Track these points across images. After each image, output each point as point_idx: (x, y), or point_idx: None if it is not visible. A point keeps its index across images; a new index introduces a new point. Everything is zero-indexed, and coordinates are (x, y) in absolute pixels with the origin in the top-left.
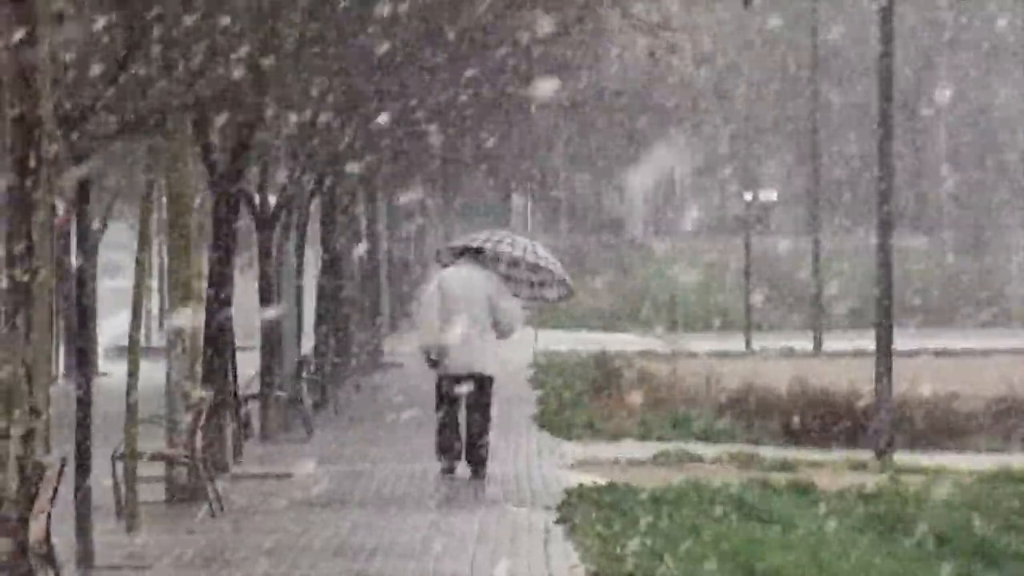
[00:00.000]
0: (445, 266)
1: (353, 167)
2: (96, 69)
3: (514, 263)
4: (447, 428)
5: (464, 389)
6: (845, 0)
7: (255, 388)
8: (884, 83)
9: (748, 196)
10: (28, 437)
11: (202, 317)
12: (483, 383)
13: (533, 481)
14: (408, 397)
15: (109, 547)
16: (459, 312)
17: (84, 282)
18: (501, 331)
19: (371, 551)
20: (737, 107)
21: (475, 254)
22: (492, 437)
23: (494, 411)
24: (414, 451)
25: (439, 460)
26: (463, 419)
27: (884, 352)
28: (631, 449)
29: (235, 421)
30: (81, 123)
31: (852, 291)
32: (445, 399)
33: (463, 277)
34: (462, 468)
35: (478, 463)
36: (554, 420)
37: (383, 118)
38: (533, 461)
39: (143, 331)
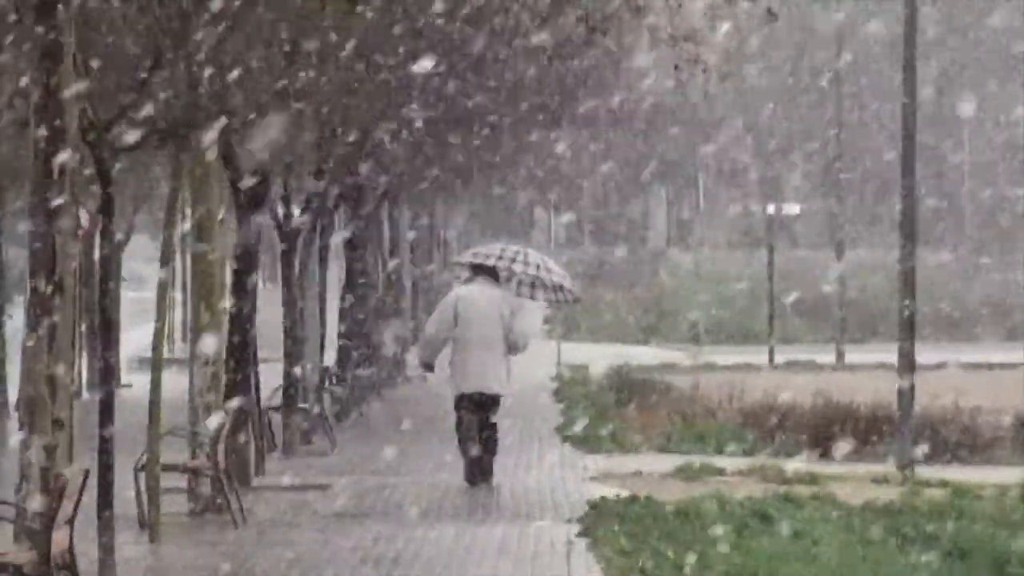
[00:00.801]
0: (464, 282)
1: (376, 180)
2: (121, 80)
3: (530, 283)
4: (466, 442)
5: (475, 409)
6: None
7: (278, 400)
8: (908, 97)
9: (771, 209)
10: (51, 448)
11: (225, 329)
12: (492, 402)
13: (555, 494)
14: (431, 410)
15: (131, 559)
16: (473, 332)
17: (107, 293)
18: (514, 349)
19: (393, 563)
20: (761, 120)
21: (489, 272)
22: (515, 451)
23: (517, 424)
24: (436, 463)
25: (465, 474)
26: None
27: (907, 365)
28: (653, 462)
29: (258, 433)
30: (105, 134)
31: (875, 304)
32: (462, 419)
33: (478, 297)
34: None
35: (488, 471)
36: (576, 433)
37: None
38: (555, 474)
39: (166, 343)
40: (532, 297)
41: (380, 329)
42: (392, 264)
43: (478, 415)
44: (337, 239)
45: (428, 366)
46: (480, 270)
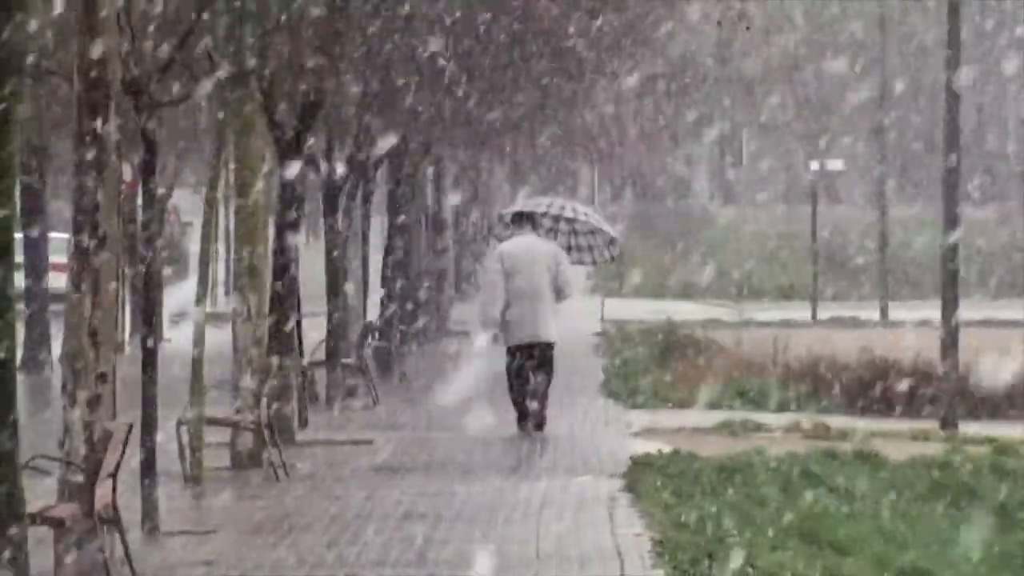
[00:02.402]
0: (506, 239)
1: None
2: (163, 35)
3: (573, 231)
4: (520, 394)
5: (530, 356)
6: None
7: (321, 355)
8: (952, 57)
9: (815, 165)
10: (94, 402)
11: (268, 283)
12: (546, 348)
13: (598, 449)
14: (474, 364)
15: (174, 512)
16: (522, 284)
17: (150, 247)
18: (561, 296)
19: (436, 518)
20: (806, 76)
21: (530, 221)
22: (558, 405)
23: (559, 380)
24: (479, 418)
25: (518, 424)
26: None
27: (950, 323)
28: (696, 418)
29: (301, 388)
30: (148, 88)
31: (919, 261)
32: (515, 368)
33: (524, 249)
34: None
35: (541, 419)
36: (620, 389)
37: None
38: (599, 429)
39: (209, 297)
40: (580, 262)
41: (423, 284)
42: (433, 216)
43: (531, 364)
44: (382, 194)
45: (496, 335)
46: (520, 221)
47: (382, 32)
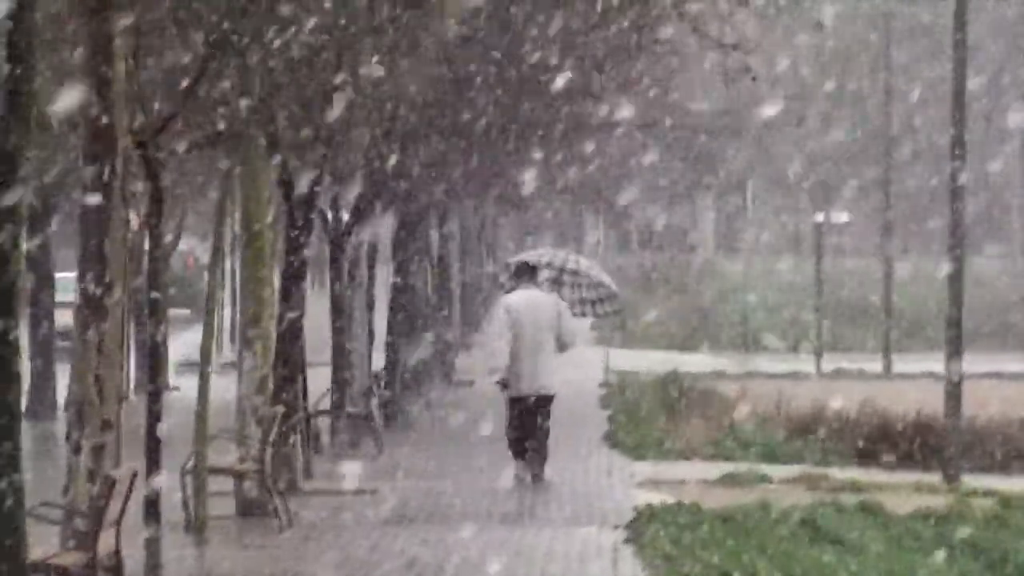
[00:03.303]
0: (509, 291)
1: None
2: (171, 85)
3: (577, 284)
4: (519, 445)
5: (532, 406)
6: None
7: (326, 404)
8: (957, 109)
9: (820, 217)
10: (99, 450)
11: (273, 333)
12: (546, 402)
13: (602, 499)
14: (478, 415)
15: (178, 561)
16: (526, 336)
17: (156, 295)
18: (564, 348)
19: (439, 568)
20: (810, 127)
21: (531, 273)
22: (563, 456)
23: (563, 430)
24: (484, 468)
25: (516, 472)
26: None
27: (953, 375)
28: (700, 469)
29: (305, 437)
30: (155, 138)
31: (923, 313)
32: (516, 419)
33: (526, 302)
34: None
35: (540, 468)
36: (624, 439)
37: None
38: (602, 480)
39: (214, 346)
40: (583, 314)
41: (427, 335)
42: (438, 268)
43: (532, 415)
44: (387, 244)
45: (506, 385)
46: (522, 273)
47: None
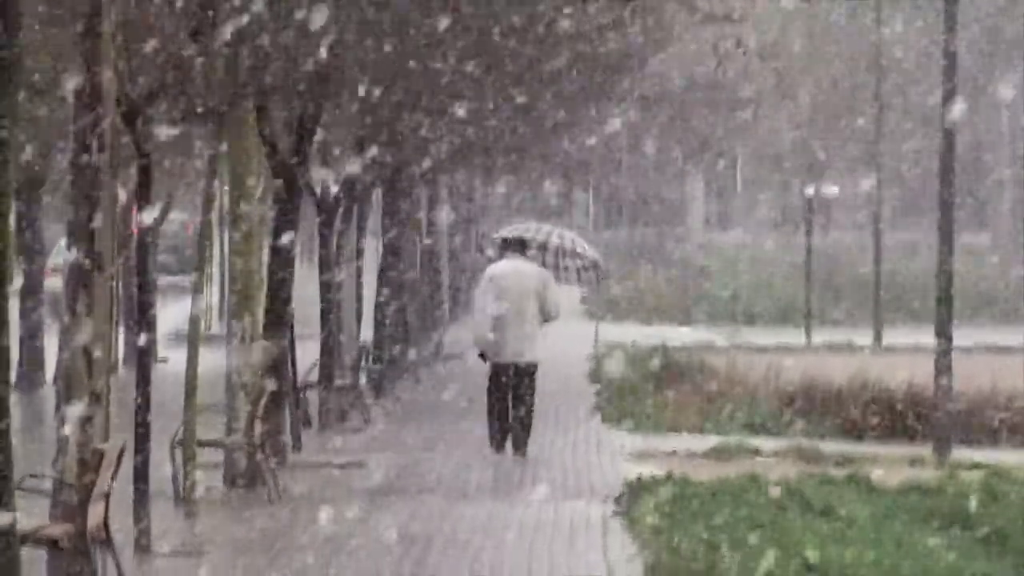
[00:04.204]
0: (492, 260)
1: (415, 158)
2: (158, 58)
3: (561, 252)
4: (497, 412)
5: (513, 376)
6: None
7: (314, 377)
8: (947, 81)
9: (810, 191)
10: (88, 423)
11: (262, 306)
12: (530, 369)
13: (591, 472)
14: (467, 388)
15: (167, 533)
16: (509, 305)
17: (144, 269)
18: (547, 318)
19: (428, 541)
20: (800, 101)
21: (519, 246)
22: (551, 429)
23: (552, 403)
24: (473, 441)
25: (491, 443)
26: (511, 403)
27: (943, 348)
28: (689, 442)
29: (294, 409)
30: (143, 110)
31: (913, 286)
32: (496, 386)
33: (511, 271)
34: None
35: (523, 442)
36: (613, 412)
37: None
38: (592, 453)
39: (204, 319)
40: (567, 281)
41: (416, 307)
42: (427, 241)
43: (513, 384)
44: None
45: (484, 355)
46: (509, 245)
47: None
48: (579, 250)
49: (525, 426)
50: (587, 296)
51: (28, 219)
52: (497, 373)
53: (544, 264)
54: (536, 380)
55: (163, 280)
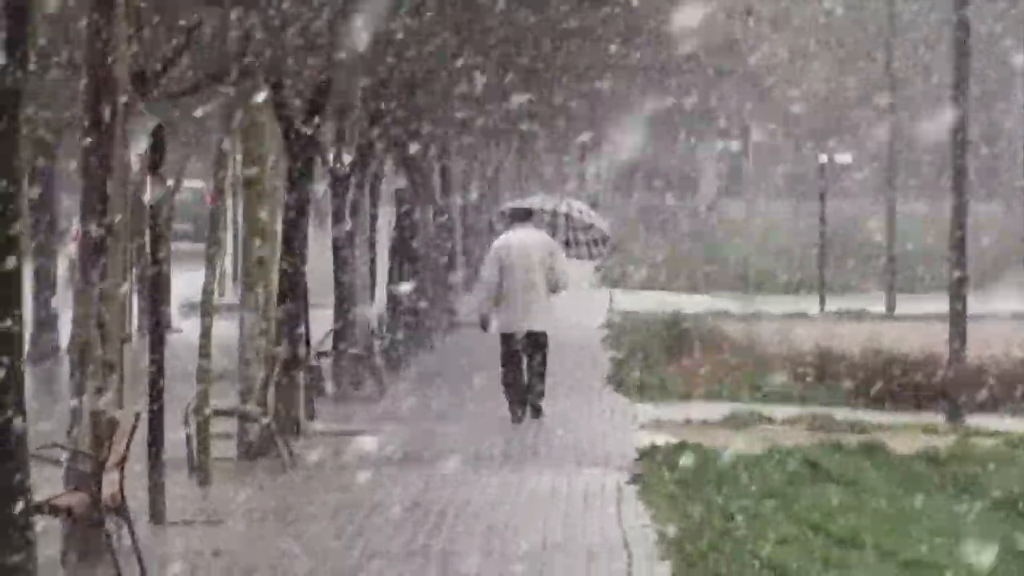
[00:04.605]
0: (501, 232)
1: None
2: (171, 26)
3: (572, 227)
4: (511, 380)
5: (523, 344)
6: None
7: (328, 346)
8: (960, 47)
9: (823, 159)
10: (101, 392)
11: (275, 275)
12: (540, 338)
13: (605, 441)
14: (481, 356)
15: (181, 501)
16: (517, 275)
17: (157, 238)
18: (554, 288)
19: (442, 510)
20: (813, 69)
21: (527, 217)
22: (565, 397)
23: (566, 372)
24: (486, 410)
25: (509, 410)
26: (524, 370)
27: (957, 315)
28: (703, 410)
29: (307, 378)
30: (156, 79)
31: (927, 254)
32: (509, 357)
33: (519, 242)
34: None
35: (536, 406)
36: (627, 381)
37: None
38: (605, 421)
39: (217, 288)
40: (578, 256)
41: (430, 276)
42: (440, 209)
43: (525, 353)
44: (389, 187)
45: (484, 324)
46: (517, 216)
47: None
48: (590, 222)
49: (538, 393)
50: (600, 264)
51: (42, 187)
52: (509, 344)
53: (555, 236)
54: (547, 349)
55: (182, 247)
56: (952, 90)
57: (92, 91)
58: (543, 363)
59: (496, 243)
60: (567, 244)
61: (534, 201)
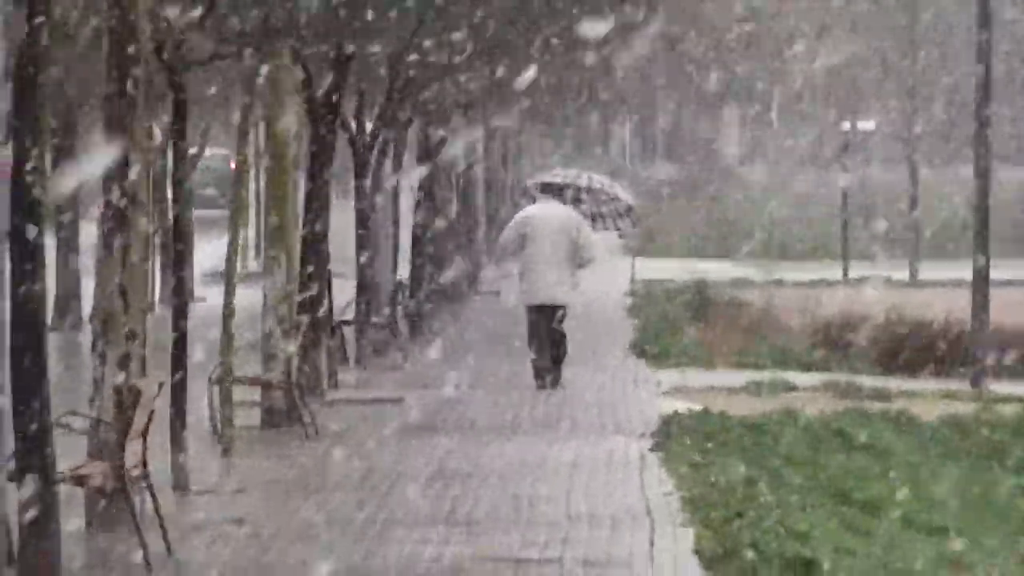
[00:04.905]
0: (531, 202)
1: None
2: None
3: (596, 200)
4: (537, 350)
5: (545, 316)
6: None
7: (351, 314)
8: (983, 11)
9: (846, 125)
10: (124, 361)
11: (298, 243)
12: (559, 312)
13: (628, 408)
14: (504, 325)
15: (204, 470)
16: (541, 249)
17: (180, 207)
18: (581, 263)
19: (466, 477)
20: (836, 35)
21: (557, 191)
22: (589, 365)
23: (590, 339)
24: (509, 378)
25: (535, 378)
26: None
27: (981, 282)
28: (726, 377)
29: (330, 346)
30: (178, 47)
31: (949, 221)
32: (533, 326)
33: (545, 214)
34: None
35: (557, 372)
36: (650, 348)
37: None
38: (628, 389)
39: (239, 257)
40: (604, 228)
41: (453, 244)
42: (464, 176)
43: (547, 323)
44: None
45: (498, 292)
46: (543, 191)
47: None
48: (614, 193)
49: (557, 361)
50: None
51: (64, 153)
52: (532, 313)
53: (580, 209)
54: (564, 319)
55: (210, 213)
56: (976, 49)
57: (114, 60)
58: (563, 334)
59: (520, 215)
60: (592, 218)
61: (557, 176)
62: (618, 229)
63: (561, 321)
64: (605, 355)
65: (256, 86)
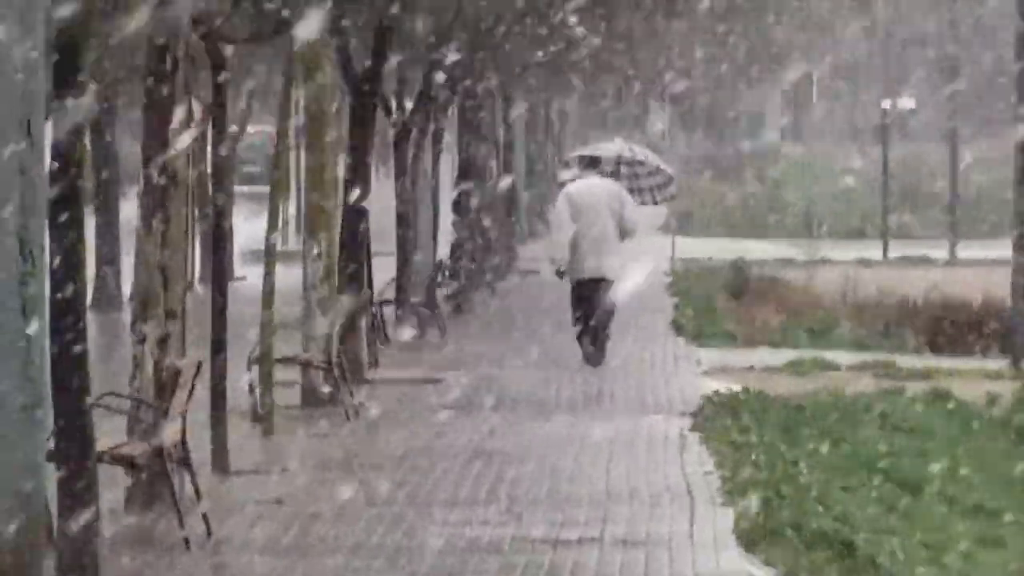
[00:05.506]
0: (571, 180)
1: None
2: None
3: (635, 174)
4: (583, 327)
5: (592, 292)
6: None
7: (391, 293)
8: None
9: (887, 104)
10: (164, 340)
11: (338, 221)
12: (607, 286)
13: (668, 387)
14: (543, 303)
15: (244, 451)
16: (586, 224)
17: (220, 185)
18: (624, 235)
19: (506, 456)
20: (878, 13)
21: (593, 164)
22: (629, 343)
23: (630, 318)
24: (549, 356)
25: (583, 356)
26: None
27: (1021, 261)
28: (766, 356)
29: (370, 326)
30: (217, 26)
31: (991, 199)
32: (579, 303)
33: (588, 190)
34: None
35: (602, 347)
36: (690, 327)
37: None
38: (669, 367)
39: (279, 235)
40: (643, 202)
41: (492, 222)
42: (503, 157)
43: (594, 298)
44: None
45: (560, 272)
46: (584, 164)
47: None
48: (656, 164)
49: (602, 339)
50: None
51: (102, 131)
52: (578, 290)
53: (621, 182)
54: (611, 291)
55: (254, 190)
56: (1016, 33)
57: (154, 37)
58: (611, 310)
59: (565, 190)
60: (632, 192)
61: (597, 149)
62: (656, 203)
63: (612, 301)
64: (646, 333)
65: (296, 64)
